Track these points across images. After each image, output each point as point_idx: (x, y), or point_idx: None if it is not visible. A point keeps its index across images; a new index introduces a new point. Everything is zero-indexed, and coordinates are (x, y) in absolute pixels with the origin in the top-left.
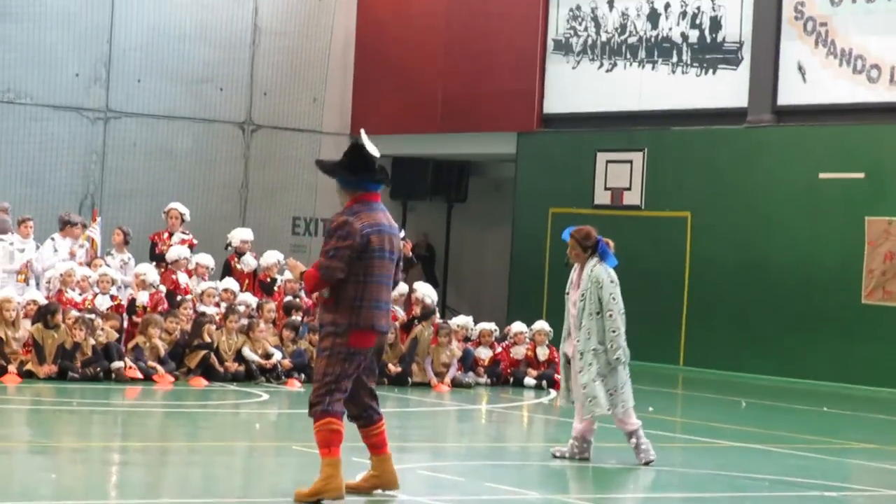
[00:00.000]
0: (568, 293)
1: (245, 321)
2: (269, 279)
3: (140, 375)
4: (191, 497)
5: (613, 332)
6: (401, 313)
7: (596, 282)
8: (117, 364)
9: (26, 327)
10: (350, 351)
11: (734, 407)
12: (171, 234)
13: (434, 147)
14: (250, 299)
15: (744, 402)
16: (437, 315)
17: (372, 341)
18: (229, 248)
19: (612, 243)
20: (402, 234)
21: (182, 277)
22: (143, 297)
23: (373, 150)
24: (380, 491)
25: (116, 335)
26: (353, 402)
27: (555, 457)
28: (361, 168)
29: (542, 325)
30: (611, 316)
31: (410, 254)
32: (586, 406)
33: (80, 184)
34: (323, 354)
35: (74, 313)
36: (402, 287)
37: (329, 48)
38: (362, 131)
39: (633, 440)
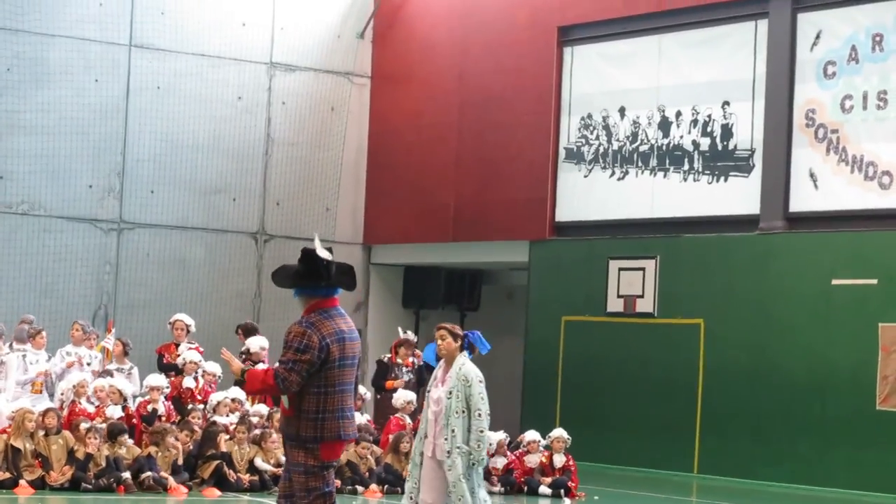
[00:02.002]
0: (429, 391)
1: (257, 431)
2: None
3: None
4: None
5: (481, 431)
6: (408, 421)
7: (465, 380)
8: (126, 475)
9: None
10: (324, 464)
11: None
12: (177, 346)
13: (446, 256)
14: (263, 409)
15: None
16: None
17: (341, 451)
18: (245, 355)
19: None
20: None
21: (188, 382)
22: (160, 407)
23: (324, 254)
24: None
25: (138, 450)
26: None
27: None
28: (313, 275)
29: (560, 432)
30: (479, 416)
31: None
32: None
33: (93, 294)
34: (298, 470)
35: (84, 425)
36: (410, 395)
37: (341, 158)
38: (315, 235)
39: None
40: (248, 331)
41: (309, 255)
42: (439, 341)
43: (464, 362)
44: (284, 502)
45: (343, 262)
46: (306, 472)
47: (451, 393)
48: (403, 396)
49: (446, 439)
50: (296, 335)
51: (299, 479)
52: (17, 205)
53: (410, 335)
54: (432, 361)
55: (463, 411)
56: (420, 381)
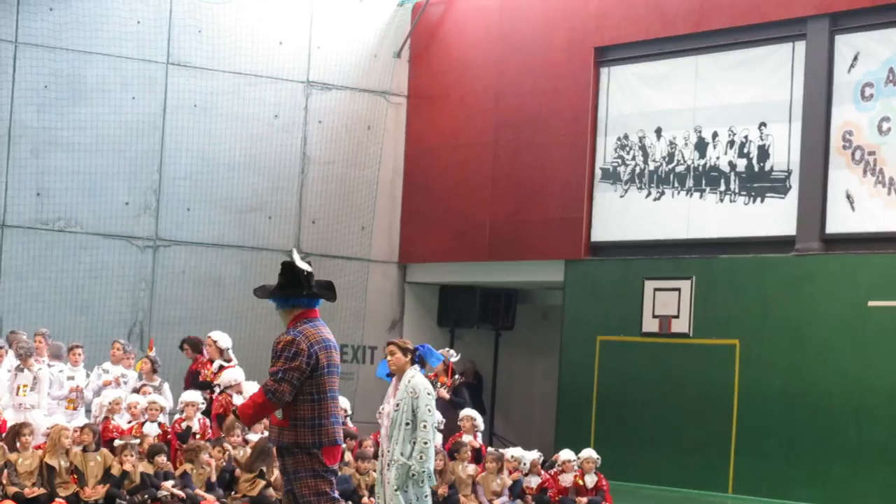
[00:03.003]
0: (382, 408)
1: None
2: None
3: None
4: None
5: (425, 443)
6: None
7: (413, 392)
8: (163, 492)
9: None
10: (328, 469)
11: None
12: (211, 362)
13: (481, 275)
14: None
15: None
16: (469, 447)
17: (339, 456)
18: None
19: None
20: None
21: (238, 400)
22: (195, 424)
23: (303, 265)
24: None
25: (172, 467)
26: None
27: None
28: (295, 285)
29: (589, 452)
30: (424, 427)
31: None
32: None
33: (129, 311)
34: (307, 475)
35: (118, 442)
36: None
37: (377, 177)
38: (293, 249)
39: None
40: (194, 345)
41: (289, 266)
42: (389, 357)
43: (413, 375)
44: None
45: (323, 278)
46: (315, 475)
47: (398, 406)
48: None
49: (389, 451)
50: (284, 344)
51: (308, 483)
52: (53, 221)
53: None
54: (386, 378)
55: (407, 423)
56: (457, 396)
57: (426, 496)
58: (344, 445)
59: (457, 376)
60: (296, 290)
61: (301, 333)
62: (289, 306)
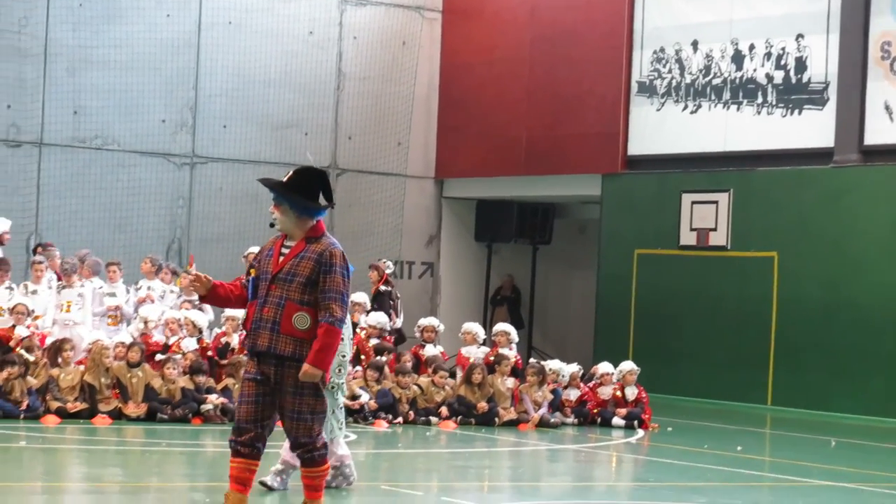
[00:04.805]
0: None
1: None
2: (353, 322)
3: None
4: None
5: (343, 356)
6: (483, 352)
7: None
8: (207, 406)
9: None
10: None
11: (823, 446)
12: None
13: (518, 189)
14: None
15: (833, 441)
16: (510, 360)
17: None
18: None
19: None
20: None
21: None
22: (234, 340)
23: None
24: None
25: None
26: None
27: (264, 485)
28: (330, 198)
29: (630, 365)
30: (342, 340)
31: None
32: None
33: (167, 228)
34: (310, 391)
35: (159, 356)
36: (476, 327)
37: (413, 92)
38: (308, 154)
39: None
40: (46, 247)
41: (326, 178)
42: None
43: None
44: (255, 427)
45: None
46: (317, 395)
47: None
48: (470, 329)
49: None
50: (340, 258)
51: (308, 401)
52: (90, 139)
53: (385, 264)
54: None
55: None
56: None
57: (340, 407)
58: None
59: (384, 287)
60: (328, 203)
61: (338, 246)
62: (317, 216)
